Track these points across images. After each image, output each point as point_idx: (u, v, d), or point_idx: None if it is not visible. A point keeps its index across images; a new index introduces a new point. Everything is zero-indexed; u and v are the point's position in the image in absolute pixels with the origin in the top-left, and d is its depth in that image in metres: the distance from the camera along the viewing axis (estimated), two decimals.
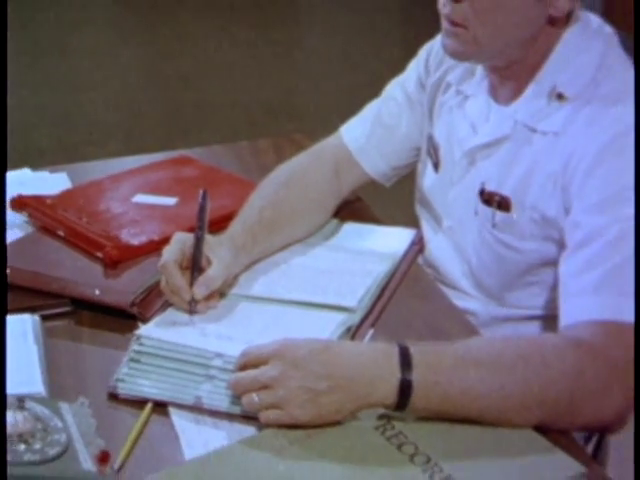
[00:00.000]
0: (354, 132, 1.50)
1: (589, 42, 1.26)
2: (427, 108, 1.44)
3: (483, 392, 1.05)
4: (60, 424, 1.00)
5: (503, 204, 1.30)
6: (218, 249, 1.26)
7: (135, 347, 1.18)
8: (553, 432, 1.07)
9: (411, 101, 1.46)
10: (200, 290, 1.22)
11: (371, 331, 1.26)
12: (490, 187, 1.31)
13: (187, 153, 1.77)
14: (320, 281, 1.33)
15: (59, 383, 1.18)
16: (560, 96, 1.24)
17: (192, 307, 1.22)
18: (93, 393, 1.15)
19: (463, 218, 1.36)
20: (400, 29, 5.25)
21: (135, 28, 5.17)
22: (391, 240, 1.45)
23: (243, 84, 4.35)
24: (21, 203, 1.51)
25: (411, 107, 1.46)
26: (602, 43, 1.26)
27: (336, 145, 1.50)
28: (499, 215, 1.30)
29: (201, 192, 1.29)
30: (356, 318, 1.26)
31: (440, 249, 1.43)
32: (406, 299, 1.34)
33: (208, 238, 1.27)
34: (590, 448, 1.28)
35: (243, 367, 1.09)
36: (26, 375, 1.14)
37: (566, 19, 1.25)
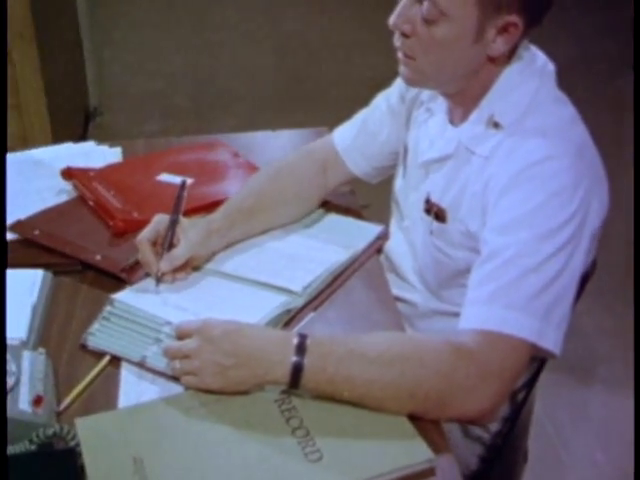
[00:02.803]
0: (343, 134, 1.55)
1: (526, 78, 1.25)
2: (405, 119, 1.47)
3: (363, 381, 1.10)
4: (14, 368, 1.12)
5: (440, 215, 1.33)
6: (189, 231, 1.34)
7: (108, 308, 1.29)
8: (425, 420, 1.12)
9: (393, 111, 1.49)
10: (164, 265, 1.31)
11: (311, 314, 1.32)
12: (433, 198, 1.34)
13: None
14: (279, 264, 1.39)
15: (46, 332, 1.30)
16: (496, 124, 1.25)
17: (158, 279, 1.32)
18: (71, 342, 1.28)
19: (415, 221, 1.40)
20: None
21: (267, 4, 5.21)
22: (359, 233, 1.49)
23: (369, 61, 4.30)
24: (68, 173, 1.63)
25: (392, 117, 1.49)
26: (538, 81, 1.25)
27: (327, 145, 1.55)
28: (435, 224, 1.33)
29: (180, 181, 1.38)
30: (299, 302, 1.32)
31: (398, 245, 1.47)
32: (353, 289, 1.38)
33: (183, 221, 1.36)
34: None
35: (179, 337, 1.18)
36: (15, 321, 1.25)
37: (508, 57, 1.25)
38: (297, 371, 1.10)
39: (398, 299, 1.45)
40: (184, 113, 3.98)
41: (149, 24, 4.88)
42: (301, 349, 1.11)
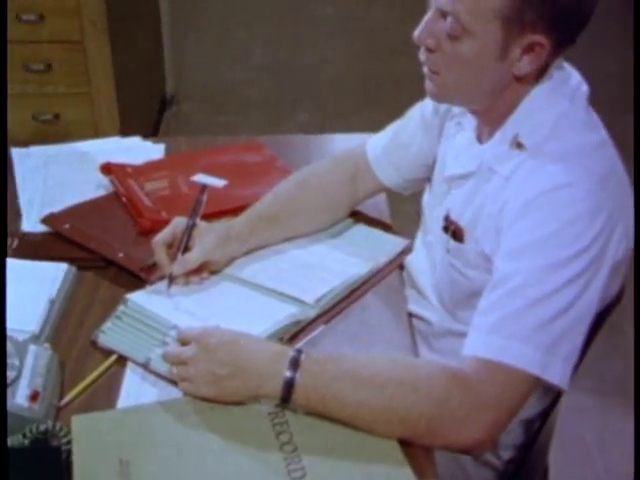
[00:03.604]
0: (375, 144, 1.53)
1: (554, 100, 1.21)
2: (438, 131, 1.45)
3: (354, 403, 1.09)
4: (17, 363, 1.16)
5: (458, 234, 1.30)
6: (205, 236, 1.36)
7: (121, 307, 1.31)
8: (416, 445, 1.10)
9: (426, 123, 1.46)
10: (176, 268, 1.33)
11: (322, 327, 1.32)
12: (452, 215, 1.32)
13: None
14: (297, 274, 1.39)
15: (62, 326, 1.33)
16: (519, 145, 1.22)
17: (170, 281, 1.34)
18: (83, 338, 1.31)
19: (437, 237, 1.37)
20: None
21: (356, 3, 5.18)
22: (383, 246, 1.48)
23: None
24: (107, 169, 1.66)
25: (425, 128, 1.47)
26: (567, 103, 1.21)
27: (359, 153, 1.54)
28: (452, 243, 1.31)
29: (201, 186, 1.39)
30: (310, 313, 1.31)
31: (419, 260, 1.45)
32: (369, 304, 1.37)
33: (201, 225, 1.37)
34: None
35: (181, 342, 1.20)
36: (30, 314, 1.29)
37: (537, 76, 1.22)
38: (289, 386, 1.10)
39: (416, 316, 1.44)
40: (258, 106, 4.01)
41: (235, 14, 4.92)
42: (295, 365, 1.11)
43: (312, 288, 1.35)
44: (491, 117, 1.27)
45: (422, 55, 1.23)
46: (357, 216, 1.57)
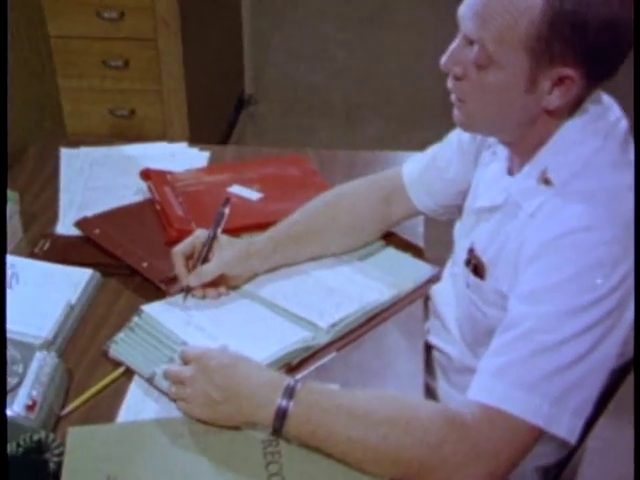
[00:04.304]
0: (412, 167, 1.49)
1: (587, 136, 1.15)
2: (474, 158, 1.40)
3: (345, 439, 1.07)
4: (21, 370, 1.17)
5: (479, 269, 1.25)
6: (225, 250, 1.35)
7: (135, 319, 1.32)
8: None
9: (463, 149, 1.42)
10: (192, 280, 1.33)
11: (333, 354, 1.29)
12: (477, 249, 1.27)
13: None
14: (316, 296, 1.37)
15: (78, 332, 1.35)
16: (547, 181, 1.16)
17: (185, 293, 1.33)
18: (96, 347, 1.32)
19: (461, 269, 1.33)
20: None
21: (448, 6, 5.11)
22: (410, 272, 1.44)
23: None
24: (146, 174, 1.68)
25: (462, 154, 1.42)
26: (600, 140, 1.14)
27: (395, 175, 1.50)
28: (472, 278, 1.26)
29: (224, 199, 1.39)
30: (323, 339, 1.29)
31: (446, 290, 1.40)
32: (385, 333, 1.34)
33: (222, 238, 1.36)
34: None
35: (183, 361, 1.19)
36: (45, 319, 1.31)
37: (570, 109, 1.16)
38: (281, 416, 1.08)
39: (437, 348, 1.40)
40: (336, 111, 3.99)
41: (322, 16, 4.92)
42: (289, 394, 1.09)
43: (328, 313, 1.33)
44: (521, 149, 1.22)
45: (449, 82, 1.20)
46: (390, 237, 1.53)
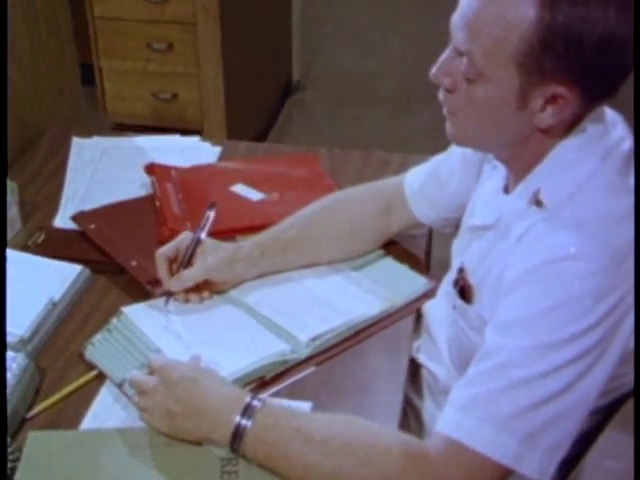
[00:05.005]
0: (414, 177, 1.44)
1: (584, 157, 1.08)
2: (477, 171, 1.34)
3: (300, 465, 1.03)
4: None
5: (466, 291, 1.20)
6: (209, 254, 1.31)
7: (114, 320, 1.30)
8: None
9: (466, 161, 1.36)
10: (173, 284, 1.30)
11: (311, 369, 1.25)
12: (466, 269, 1.21)
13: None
14: (302, 306, 1.33)
15: (58, 331, 1.33)
16: (539, 202, 1.10)
17: (166, 296, 1.30)
18: (74, 347, 1.30)
19: (451, 288, 1.27)
20: None
21: None
22: (405, 285, 1.39)
23: None
24: (151, 169, 1.65)
25: (465, 166, 1.36)
26: (597, 162, 1.07)
27: (397, 184, 1.45)
28: (458, 301, 1.21)
29: (210, 203, 1.35)
30: (302, 353, 1.25)
31: (439, 307, 1.35)
32: (369, 350, 1.29)
33: (208, 242, 1.33)
34: None
35: (149, 371, 1.16)
36: (23, 316, 1.28)
37: (567, 128, 1.09)
38: (238, 436, 1.05)
39: (425, 367, 1.35)
40: (384, 101, 3.92)
41: (375, 5, 4.84)
42: (248, 414, 1.05)
43: (310, 325, 1.29)
44: (516, 167, 1.15)
45: (440, 94, 1.14)
46: (390, 247, 1.48)
